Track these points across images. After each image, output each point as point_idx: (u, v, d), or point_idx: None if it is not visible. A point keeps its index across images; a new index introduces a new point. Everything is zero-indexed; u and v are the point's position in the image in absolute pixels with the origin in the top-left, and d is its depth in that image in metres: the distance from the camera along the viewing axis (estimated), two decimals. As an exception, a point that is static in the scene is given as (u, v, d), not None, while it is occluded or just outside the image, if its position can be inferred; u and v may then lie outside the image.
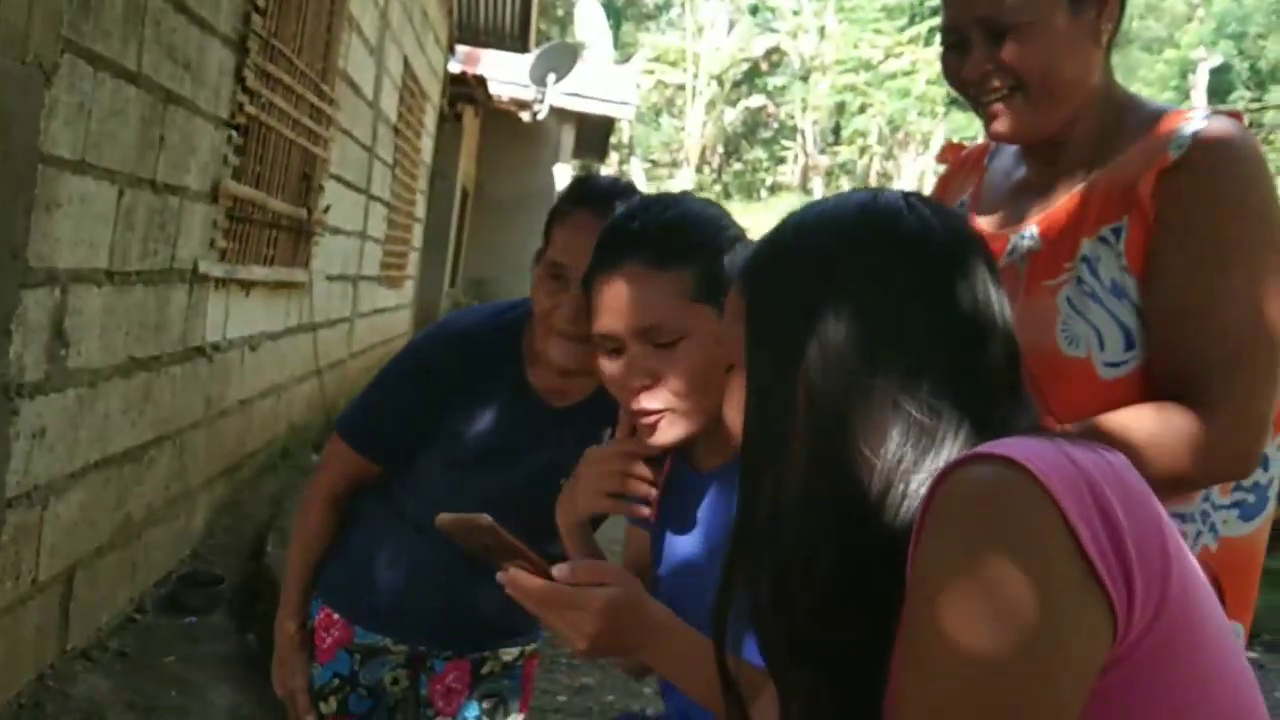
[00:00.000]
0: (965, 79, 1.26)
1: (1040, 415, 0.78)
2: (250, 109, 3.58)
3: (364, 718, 1.70)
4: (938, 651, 0.65)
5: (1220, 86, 22.55)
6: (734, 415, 0.86)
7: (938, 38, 1.34)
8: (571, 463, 1.56)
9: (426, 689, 1.74)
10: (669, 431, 1.18)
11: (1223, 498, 1.22)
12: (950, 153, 1.54)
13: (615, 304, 1.17)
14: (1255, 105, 20.29)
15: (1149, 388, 1.18)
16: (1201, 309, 1.14)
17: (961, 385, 0.75)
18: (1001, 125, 1.26)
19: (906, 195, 0.85)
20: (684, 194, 1.31)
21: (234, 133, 3.50)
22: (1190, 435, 1.11)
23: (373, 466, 1.66)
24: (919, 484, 0.70)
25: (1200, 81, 20.84)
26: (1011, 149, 1.40)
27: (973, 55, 1.24)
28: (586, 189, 1.48)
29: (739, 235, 1.24)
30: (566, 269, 1.41)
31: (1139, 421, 1.12)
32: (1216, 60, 22.41)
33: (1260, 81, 23.09)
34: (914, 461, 0.71)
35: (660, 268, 1.16)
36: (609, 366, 1.21)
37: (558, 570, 1.05)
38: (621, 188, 1.47)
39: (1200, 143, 1.17)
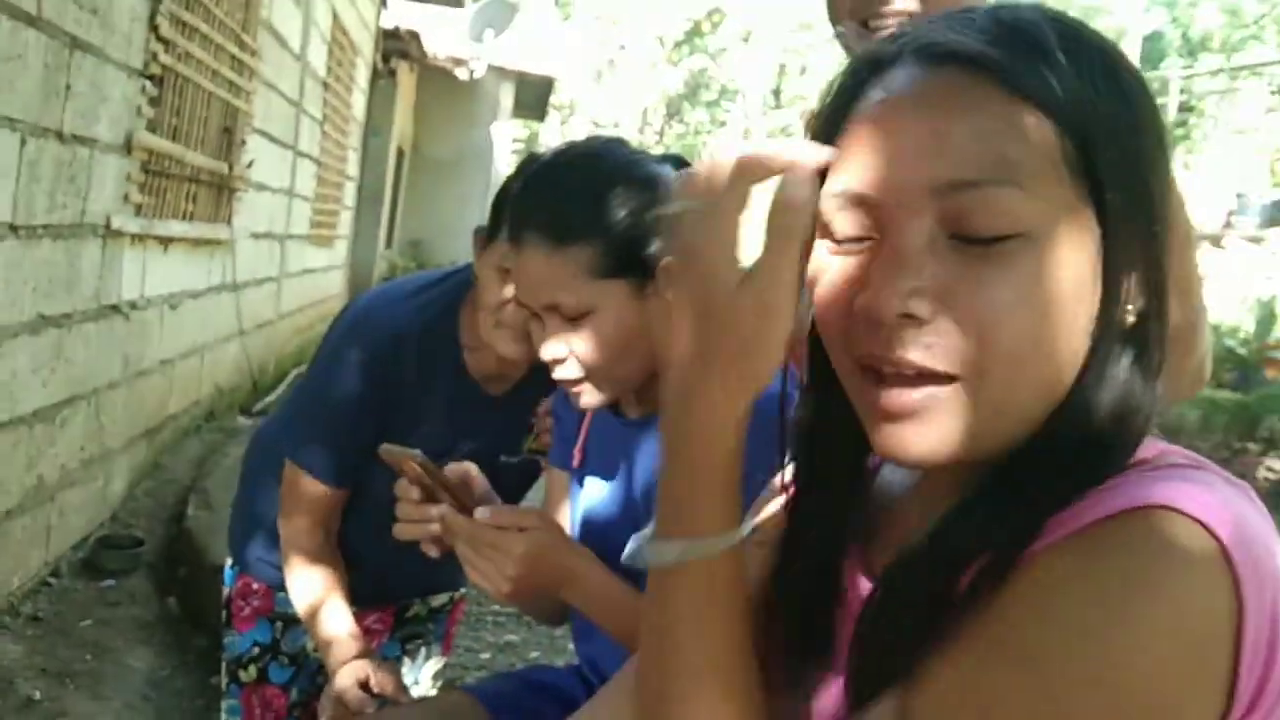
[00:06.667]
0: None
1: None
2: (165, 58, 3.46)
3: (285, 686, 1.67)
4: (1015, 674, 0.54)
5: (1153, 53, 22.88)
6: None
7: None
8: (502, 446, 1.55)
9: None
10: (587, 398, 1.17)
11: None
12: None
13: (522, 278, 1.14)
14: (1187, 72, 20.64)
15: None
16: None
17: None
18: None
19: None
20: (600, 148, 1.19)
21: (148, 83, 3.37)
22: None
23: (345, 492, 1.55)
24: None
25: (1133, 48, 21.16)
26: None
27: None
28: None
29: (652, 197, 1.12)
30: None
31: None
32: (1149, 28, 22.75)
33: (1192, 49, 23.50)
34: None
35: (558, 246, 1.10)
36: (533, 327, 1.19)
37: (479, 512, 1.08)
38: None
39: None
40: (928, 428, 0.59)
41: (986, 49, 0.58)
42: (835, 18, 1.24)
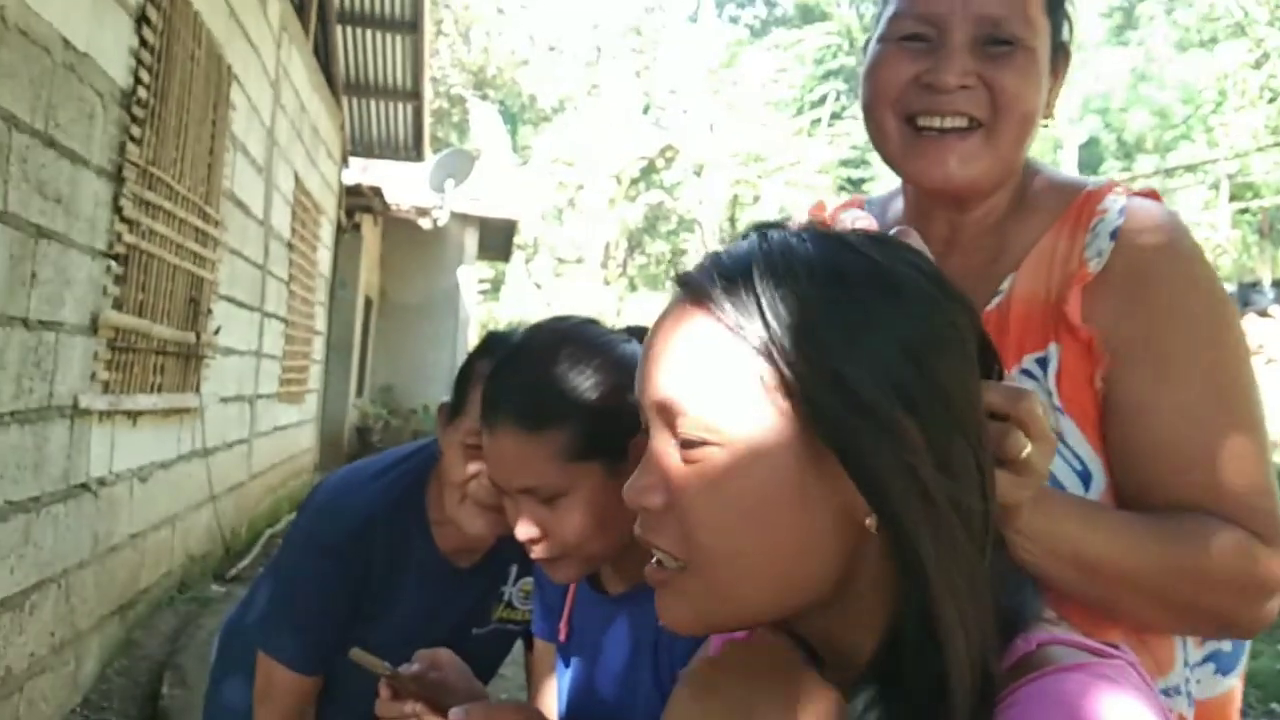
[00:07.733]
0: (935, 84, 0.98)
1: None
2: (129, 238, 3.54)
3: None
4: None
5: (1090, 159, 23.78)
6: None
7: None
8: (474, 618, 1.55)
9: None
10: (564, 574, 1.18)
11: (1197, 651, 0.98)
12: (815, 212, 1.22)
13: (495, 461, 1.16)
14: (1126, 175, 21.43)
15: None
16: (1211, 451, 0.91)
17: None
18: (956, 168, 1.00)
19: None
20: (570, 330, 1.20)
21: (113, 263, 3.44)
22: (1259, 562, 0.89)
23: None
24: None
25: (1070, 155, 21.95)
26: (892, 211, 1.14)
27: (954, 58, 0.97)
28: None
29: (622, 377, 1.12)
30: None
31: (1216, 539, 0.89)
32: (1084, 135, 23.69)
33: (1128, 152, 24.42)
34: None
35: (530, 432, 1.11)
36: (506, 503, 1.19)
37: (453, 713, 1.06)
38: None
39: (1123, 247, 0.96)
40: (666, 602, 0.71)
41: (706, 284, 0.68)
42: (874, 126, 1.04)
